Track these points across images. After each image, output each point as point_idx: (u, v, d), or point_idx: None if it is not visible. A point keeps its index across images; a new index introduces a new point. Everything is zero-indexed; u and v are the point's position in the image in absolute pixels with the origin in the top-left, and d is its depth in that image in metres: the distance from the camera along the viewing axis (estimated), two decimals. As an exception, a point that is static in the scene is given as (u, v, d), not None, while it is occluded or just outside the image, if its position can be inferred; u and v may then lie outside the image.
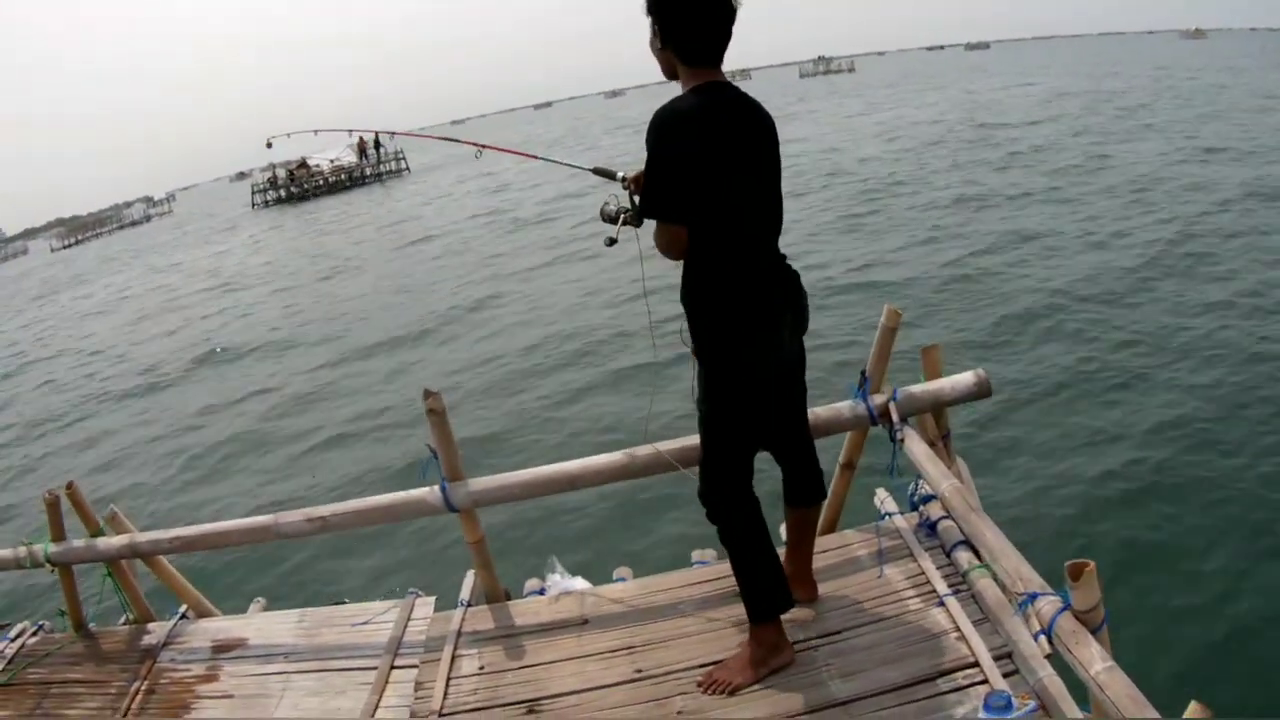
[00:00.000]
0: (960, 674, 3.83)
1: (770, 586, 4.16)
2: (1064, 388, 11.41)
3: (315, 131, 7.56)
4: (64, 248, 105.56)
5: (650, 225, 4.07)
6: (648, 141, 3.85)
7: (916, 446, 4.72)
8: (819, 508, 4.69)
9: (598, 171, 4.82)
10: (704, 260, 3.92)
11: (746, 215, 3.98)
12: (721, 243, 3.89)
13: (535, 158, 5.57)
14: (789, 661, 4.18)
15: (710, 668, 4.28)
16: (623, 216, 4.20)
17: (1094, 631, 3.07)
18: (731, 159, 3.88)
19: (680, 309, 4.12)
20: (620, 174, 4.56)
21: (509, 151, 5.93)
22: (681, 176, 3.81)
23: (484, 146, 5.69)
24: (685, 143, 3.79)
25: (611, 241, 4.12)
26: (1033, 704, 3.15)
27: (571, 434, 12.72)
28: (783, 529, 4.76)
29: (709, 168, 3.82)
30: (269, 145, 7.48)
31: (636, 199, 4.31)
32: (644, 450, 5.00)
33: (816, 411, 4.91)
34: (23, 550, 5.90)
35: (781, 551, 4.52)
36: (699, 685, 4.20)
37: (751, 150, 3.96)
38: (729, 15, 3.87)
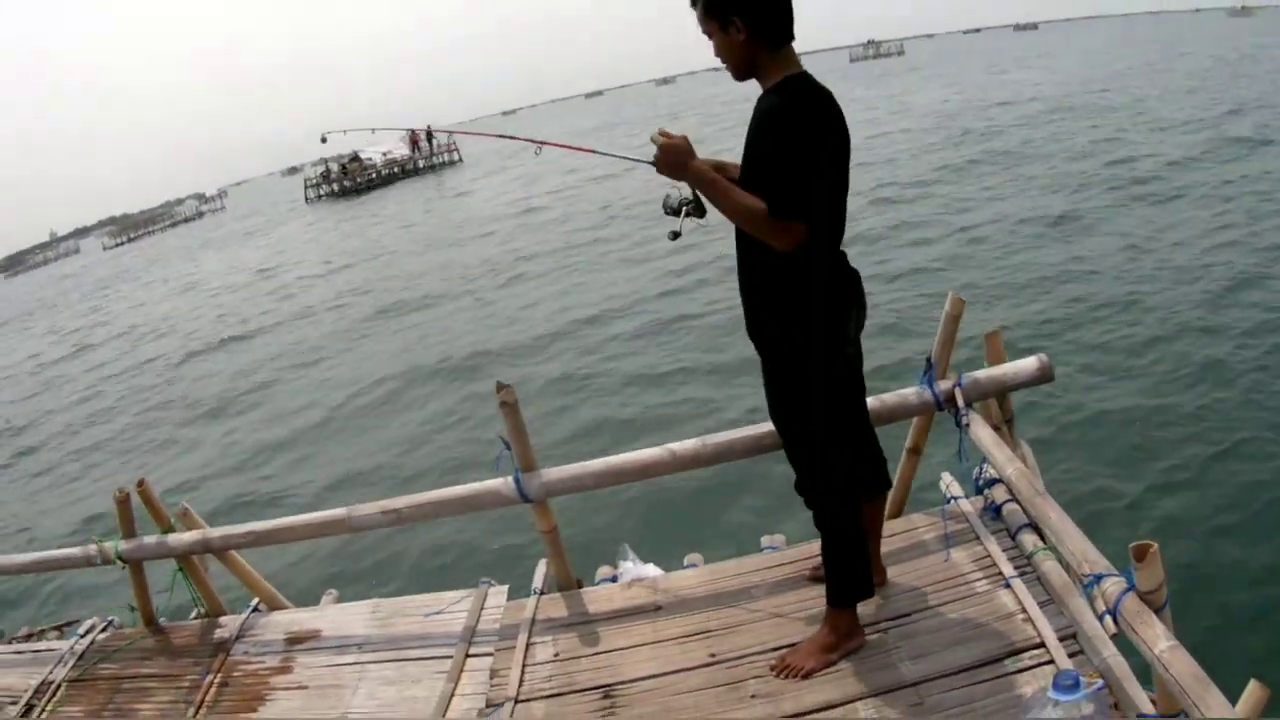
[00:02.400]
0: (1027, 654, 3.98)
1: (859, 573, 4.30)
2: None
3: (373, 130, 7.70)
4: (115, 245, 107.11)
5: (714, 214, 4.12)
6: (780, 132, 3.80)
7: (981, 431, 4.83)
8: (885, 497, 4.83)
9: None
10: (802, 254, 3.88)
11: (843, 212, 4.09)
12: (824, 238, 3.93)
13: (593, 152, 5.65)
14: (860, 645, 4.33)
15: (783, 651, 4.44)
16: (685, 208, 4.20)
17: (1157, 611, 3.17)
18: (846, 152, 3.98)
19: (738, 301, 4.25)
20: None
21: (566, 147, 6.04)
22: (826, 170, 3.85)
23: (542, 143, 5.79)
24: (826, 134, 3.84)
25: (675, 235, 4.15)
26: (1100, 683, 3.28)
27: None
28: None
29: (837, 162, 3.92)
30: (324, 140, 7.63)
31: (698, 191, 4.29)
32: (715, 439, 5.16)
33: (883, 398, 5.07)
34: (94, 548, 6.12)
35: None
36: (772, 669, 4.35)
37: (848, 147, 4.00)
38: None
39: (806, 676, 4.25)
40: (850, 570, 4.29)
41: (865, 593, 4.35)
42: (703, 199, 4.20)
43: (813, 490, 4.33)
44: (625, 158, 5.30)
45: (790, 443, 4.37)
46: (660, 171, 4.04)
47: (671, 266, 22.15)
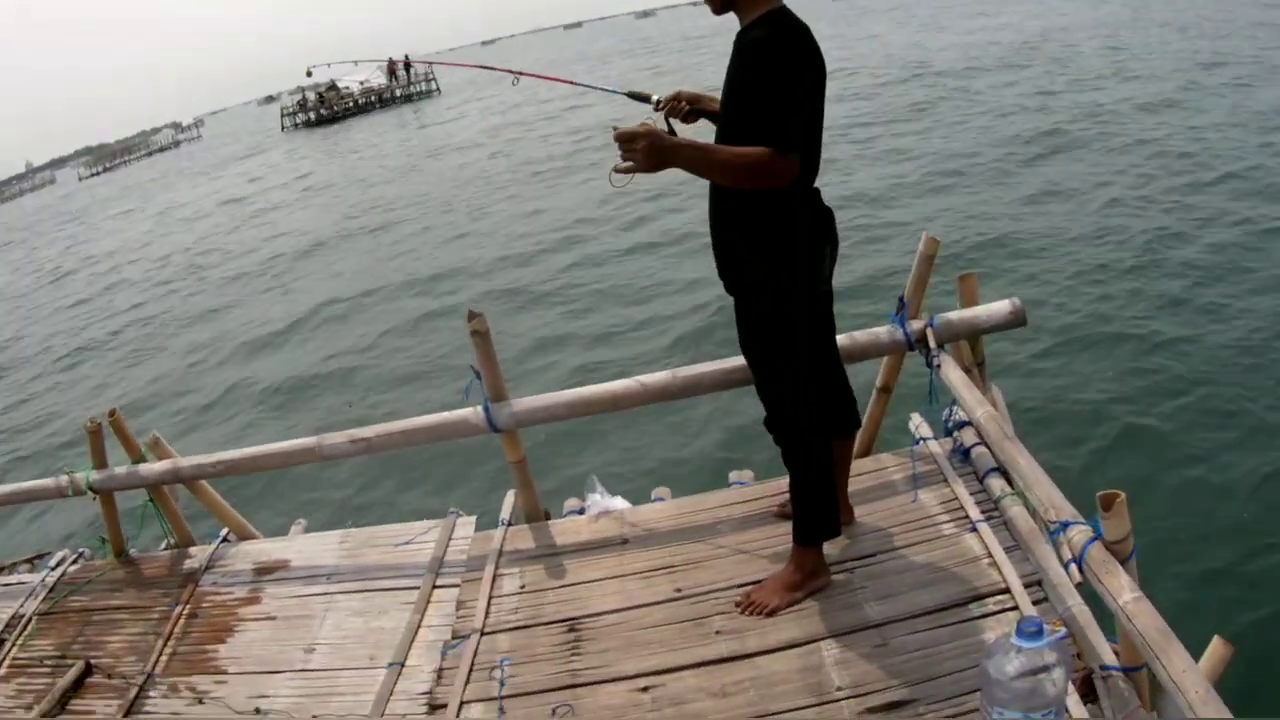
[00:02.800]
0: (991, 600, 4.03)
1: (826, 512, 4.34)
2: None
3: (355, 62, 7.63)
4: (92, 175, 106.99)
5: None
6: (768, 64, 3.72)
7: (952, 373, 4.86)
8: (854, 436, 4.87)
9: (631, 95, 4.81)
10: (784, 190, 3.87)
11: (818, 149, 4.04)
12: (803, 174, 3.89)
13: (571, 83, 5.64)
14: (825, 585, 4.38)
15: (748, 588, 4.49)
16: None
17: (1123, 562, 3.19)
18: (823, 88, 3.96)
19: (708, 240, 4.24)
20: (655, 97, 4.58)
21: (545, 78, 6.02)
22: (809, 103, 3.82)
23: (520, 74, 5.76)
24: (809, 67, 3.80)
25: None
26: (1063, 631, 3.30)
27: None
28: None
29: (816, 97, 3.89)
30: (309, 74, 7.58)
31: (672, 121, 4.36)
32: (685, 371, 5.21)
33: (854, 335, 5.11)
34: (65, 479, 6.13)
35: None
36: (737, 605, 4.40)
37: (824, 84, 3.99)
38: None
39: (771, 614, 4.30)
40: (818, 509, 4.32)
41: (832, 532, 4.38)
42: (675, 132, 4.16)
43: (783, 428, 4.34)
44: (600, 88, 5.30)
45: (763, 381, 4.35)
46: (640, 171, 3.77)
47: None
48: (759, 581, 4.52)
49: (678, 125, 4.45)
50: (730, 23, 4.00)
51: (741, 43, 3.89)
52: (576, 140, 35.20)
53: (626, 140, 3.69)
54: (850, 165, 22.02)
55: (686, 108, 4.51)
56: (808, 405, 4.26)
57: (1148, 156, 18.05)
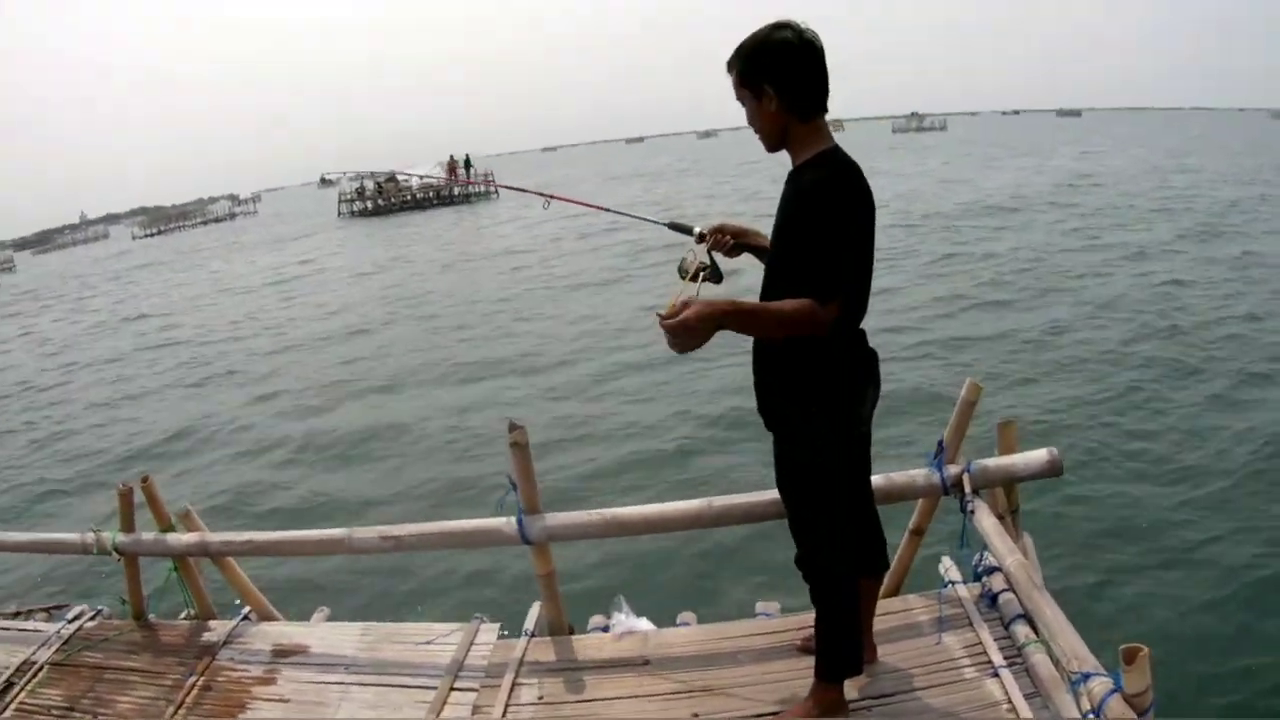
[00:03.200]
0: (1008, 747, 4.00)
1: (850, 651, 4.31)
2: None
3: (370, 174, 7.63)
4: (146, 236, 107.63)
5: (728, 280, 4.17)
6: (824, 209, 3.76)
7: (985, 519, 4.87)
8: (882, 577, 4.87)
9: (674, 227, 4.84)
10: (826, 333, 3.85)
11: (868, 290, 4.06)
12: (848, 316, 3.93)
13: (606, 210, 5.65)
14: None
15: (768, 718, 4.48)
16: (701, 274, 4.25)
17: (1141, 715, 3.20)
18: (872, 229, 3.98)
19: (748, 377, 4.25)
20: (696, 229, 4.62)
21: (578, 203, 6.05)
22: (859, 246, 3.86)
23: (553, 197, 5.77)
24: (861, 208, 3.85)
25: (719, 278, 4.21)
26: (1077, 783, 3.33)
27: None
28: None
29: (866, 239, 3.92)
30: (323, 181, 7.66)
31: (715, 255, 4.43)
32: (720, 501, 5.23)
33: (892, 477, 5.13)
34: (91, 537, 6.17)
35: None
36: None
37: (873, 224, 4.01)
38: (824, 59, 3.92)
39: None
40: (842, 647, 4.30)
41: (854, 670, 4.36)
42: (718, 265, 4.31)
43: (814, 567, 4.31)
44: (636, 217, 5.32)
45: (796, 519, 4.34)
46: (688, 350, 3.71)
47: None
48: (776, 714, 4.51)
49: (720, 259, 4.53)
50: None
51: (797, 182, 3.95)
52: (633, 254, 35.35)
53: (677, 330, 3.61)
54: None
55: (731, 241, 4.53)
56: (841, 547, 4.25)
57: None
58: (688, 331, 3.59)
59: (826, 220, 3.75)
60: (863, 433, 4.29)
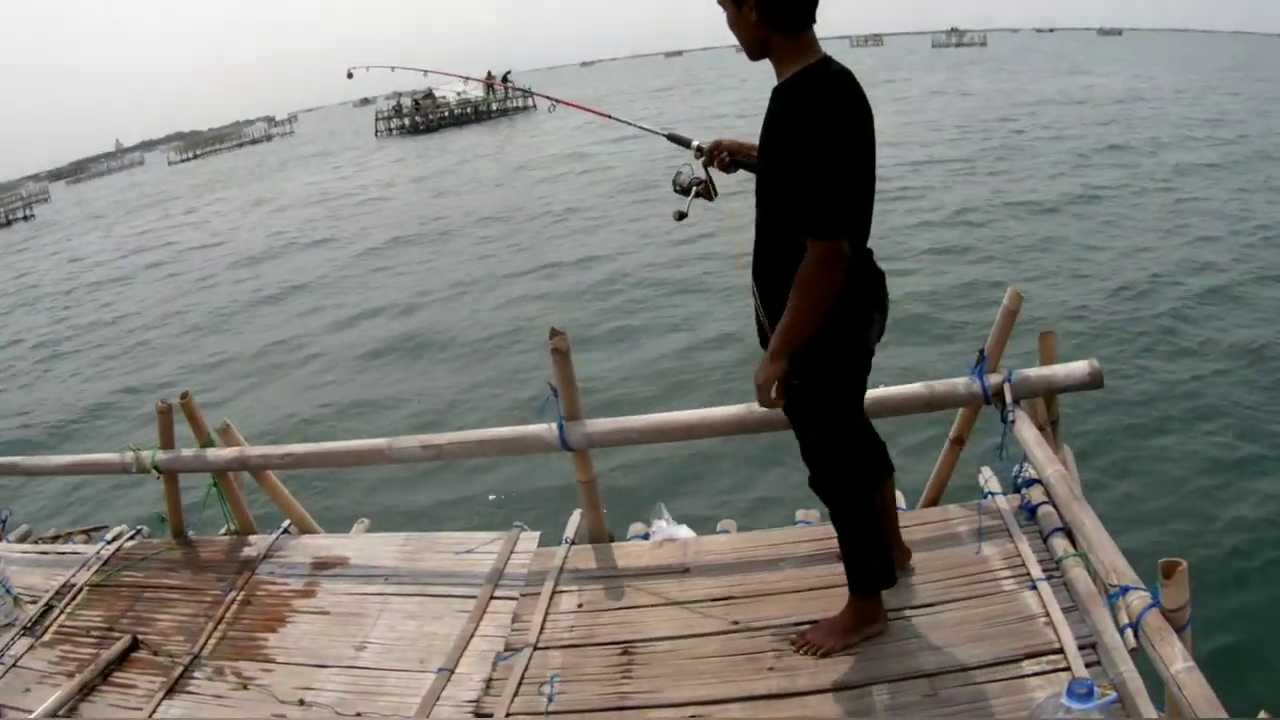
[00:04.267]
0: (1045, 659, 4.03)
1: (878, 564, 4.35)
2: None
3: (392, 68, 7.57)
4: (181, 161, 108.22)
5: (724, 196, 4.19)
6: (797, 143, 3.65)
7: (1026, 430, 4.87)
8: (892, 479, 4.84)
9: (671, 138, 4.79)
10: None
11: (869, 207, 3.98)
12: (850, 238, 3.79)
13: (609, 117, 5.64)
14: (882, 631, 4.41)
15: (805, 627, 4.53)
16: (695, 189, 4.27)
17: (1179, 631, 3.22)
18: (868, 146, 3.82)
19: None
20: (695, 142, 4.57)
21: (584, 109, 6.07)
22: (849, 166, 3.69)
23: (558, 101, 5.84)
24: (846, 126, 3.68)
25: (681, 216, 4.22)
26: (1113, 695, 3.33)
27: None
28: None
29: (857, 155, 3.74)
30: (350, 75, 7.61)
31: (711, 169, 4.41)
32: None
33: (933, 385, 5.19)
34: (130, 456, 6.27)
35: None
36: (792, 644, 4.44)
37: (871, 135, 3.86)
38: None
39: (825, 655, 4.33)
40: (869, 561, 4.35)
41: (887, 581, 4.41)
42: (713, 182, 4.34)
43: (828, 488, 4.36)
44: (638, 125, 5.30)
45: (806, 444, 4.36)
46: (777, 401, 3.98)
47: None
48: (816, 621, 4.56)
49: (717, 175, 4.52)
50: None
51: (776, 101, 3.82)
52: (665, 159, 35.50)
53: (763, 403, 3.99)
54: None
55: (728, 158, 4.47)
56: (851, 468, 4.30)
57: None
58: (766, 396, 3.93)
59: (804, 156, 3.64)
60: (866, 355, 4.20)
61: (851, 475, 4.30)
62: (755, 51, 3.87)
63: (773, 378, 3.87)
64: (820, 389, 4.08)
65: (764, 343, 4.13)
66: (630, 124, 5.61)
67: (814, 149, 3.62)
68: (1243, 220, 19.72)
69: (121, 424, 15.81)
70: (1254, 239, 18.02)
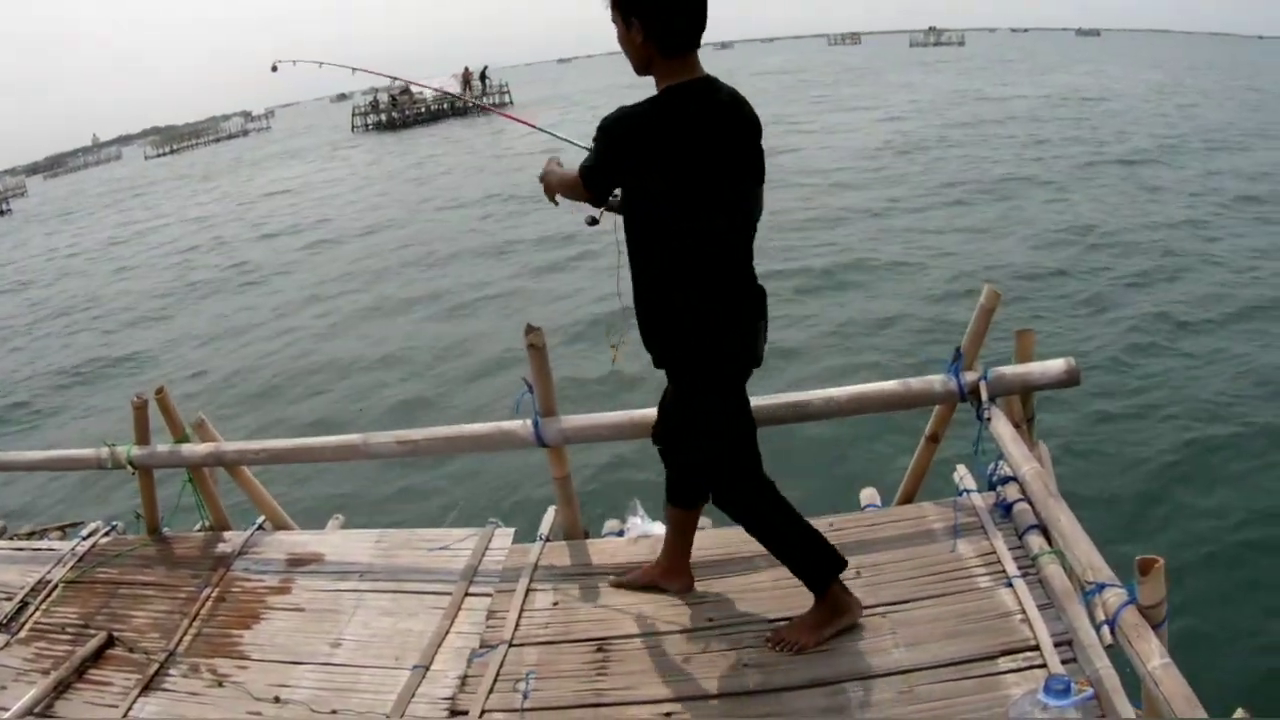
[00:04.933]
0: (1021, 655, 4.03)
1: (818, 554, 4.39)
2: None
3: (320, 64, 7.49)
4: (158, 155, 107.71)
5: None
6: (600, 131, 4.00)
7: (1002, 427, 4.88)
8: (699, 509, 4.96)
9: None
10: (672, 267, 4.06)
11: (717, 223, 4.05)
12: (693, 261, 4.03)
13: (534, 127, 5.76)
14: (856, 619, 4.41)
15: (780, 625, 4.52)
16: (611, 199, 4.25)
17: (1156, 627, 3.24)
18: (701, 163, 3.95)
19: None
20: None
21: (510, 118, 6.15)
22: (677, 189, 3.92)
23: (486, 108, 6.02)
24: (676, 144, 3.90)
25: (593, 221, 4.29)
26: (1089, 692, 3.34)
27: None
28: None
29: (683, 180, 3.93)
30: (274, 69, 7.45)
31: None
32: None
33: (909, 382, 5.20)
34: (105, 451, 6.22)
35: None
36: (767, 642, 4.43)
37: (726, 152, 4.01)
38: None
39: (800, 652, 4.33)
40: (808, 555, 4.40)
41: (836, 565, 4.41)
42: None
43: (732, 498, 4.45)
44: (563, 139, 5.33)
45: (696, 454, 4.49)
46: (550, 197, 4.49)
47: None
48: (790, 618, 4.55)
49: None
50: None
51: None
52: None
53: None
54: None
55: None
56: (745, 472, 4.44)
57: None
58: (545, 186, 4.47)
59: (598, 139, 4.03)
60: (753, 365, 4.36)
61: (753, 480, 4.41)
62: (640, 68, 4.07)
63: (543, 181, 4.48)
64: (711, 398, 4.24)
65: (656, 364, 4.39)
66: (552, 134, 5.61)
67: (604, 146, 4.04)
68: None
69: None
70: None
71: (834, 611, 4.40)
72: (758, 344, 4.26)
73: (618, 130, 3.94)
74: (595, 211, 4.26)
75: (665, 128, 3.90)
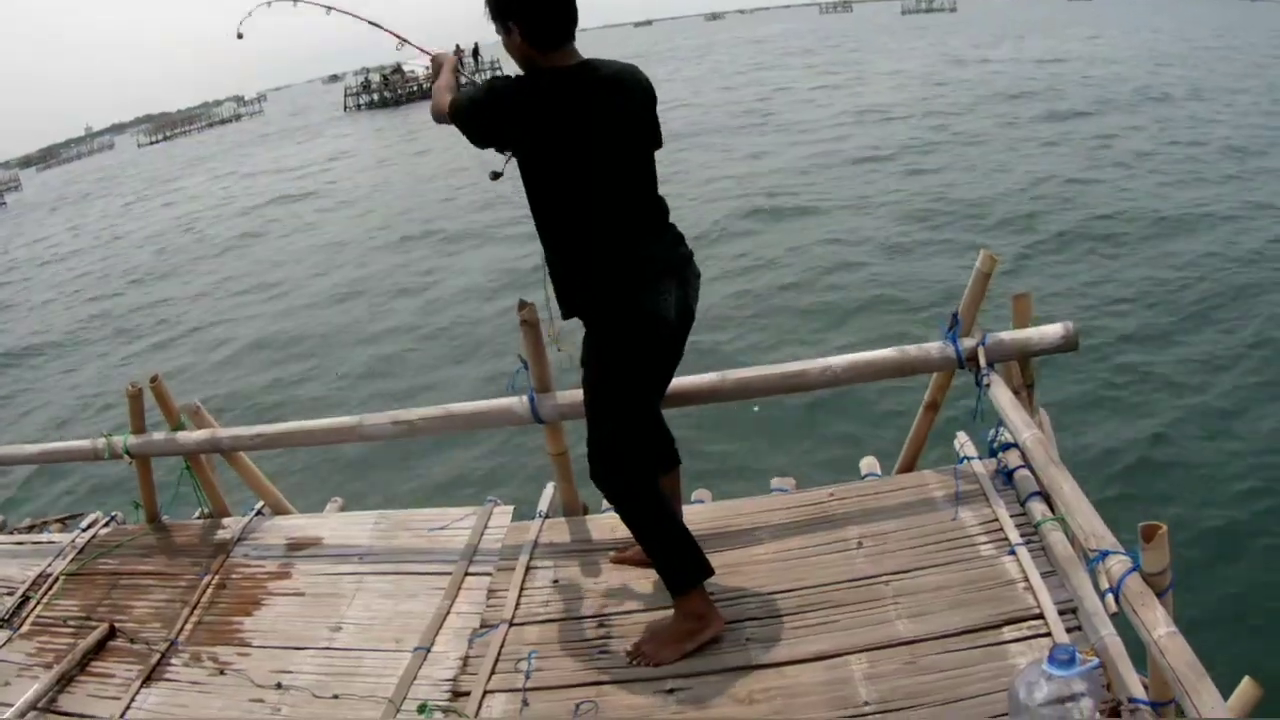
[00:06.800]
0: (1025, 624, 4.01)
1: (685, 554, 4.32)
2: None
3: (295, 1, 7.33)
4: (151, 143, 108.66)
5: None
6: (484, 89, 4.25)
7: (1001, 393, 4.82)
8: (678, 470, 4.97)
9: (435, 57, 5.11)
10: (570, 230, 4.21)
11: (608, 186, 4.18)
12: (581, 212, 4.17)
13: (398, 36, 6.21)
14: (719, 631, 4.34)
15: (638, 640, 4.43)
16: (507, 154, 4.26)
17: (1160, 595, 3.20)
18: (592, 140, 4.10)
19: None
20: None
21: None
22: (494, 137, 4.18)
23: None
24: (550, 121, 4.03)
25: (496, 176, 4.32)
26: (1095, 661, 3.30)
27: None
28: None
29: (569, 150, 4.09)
30: (240, 36, 7.29)
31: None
32: (736, 374, 5.21)
33: (906, 350, 5.13)
34: (101, 442, 6.20)
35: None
36: (627, 655, 4.37)
37: (611, 122, 4.14)
38: None
39: (658, 665, 4.28)
40: (675, 554, 4.33)
41: (701, 573, 4.35)
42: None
43: (611, 480, 4.38)
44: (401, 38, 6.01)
45: (596, 430, 4.43)
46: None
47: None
48: (791, 590, 4.54)
49: None
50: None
51: None
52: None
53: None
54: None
55: None
56: (637, 456, 4.38)
57: None
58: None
59: (481, 96, 4.26)
60: (666, 320, 4.25)
61: (637, 466, 4.35)
62: (526, 67, 4.22)
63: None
64: (616, 374, 4.28)
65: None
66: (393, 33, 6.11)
67: (477, 98, 4.30)
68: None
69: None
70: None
71: (696, 621, 4.33)
72: (664, 303, 4.21)
73: (504, 96, 4.13)
74: (499, 166, 4.27)
75: (542, 103, 4.05)
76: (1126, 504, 7.82)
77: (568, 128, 4.05)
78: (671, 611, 4.41)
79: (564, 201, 4.17)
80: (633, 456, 4.34)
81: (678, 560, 4.32)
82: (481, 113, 4.20)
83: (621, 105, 4.18)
